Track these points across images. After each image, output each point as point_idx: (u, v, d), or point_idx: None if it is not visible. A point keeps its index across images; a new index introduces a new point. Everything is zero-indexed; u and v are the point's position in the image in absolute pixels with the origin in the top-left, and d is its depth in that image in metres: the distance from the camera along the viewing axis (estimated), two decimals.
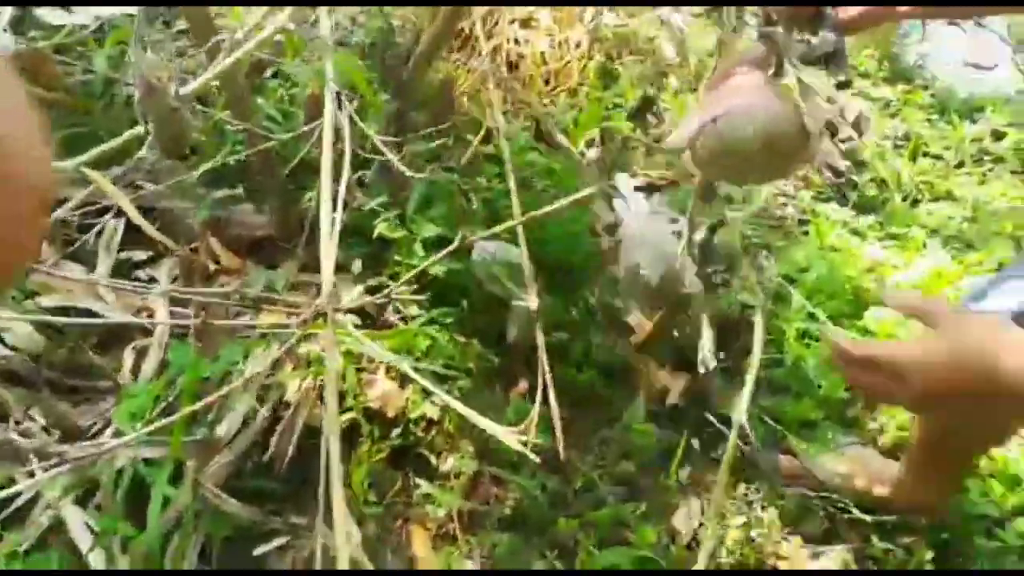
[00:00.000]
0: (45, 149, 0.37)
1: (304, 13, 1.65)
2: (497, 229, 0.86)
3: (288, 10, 0.75)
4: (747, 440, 1.60)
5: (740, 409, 0.82)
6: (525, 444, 0.66)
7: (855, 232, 2.10)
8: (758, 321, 0.88)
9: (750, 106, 0.78)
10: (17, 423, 1.34)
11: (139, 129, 0.66)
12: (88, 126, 1.68)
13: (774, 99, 0.78)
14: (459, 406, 0.70)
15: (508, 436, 0.66)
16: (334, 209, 0.61)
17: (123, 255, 1.67)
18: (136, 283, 1.66)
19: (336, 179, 0.63)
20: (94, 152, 0.69)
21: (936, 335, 0.70)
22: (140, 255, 1.68)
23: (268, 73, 2.05)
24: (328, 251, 0.58)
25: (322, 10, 0.80)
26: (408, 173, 0.84)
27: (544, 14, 2.12)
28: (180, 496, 1.28)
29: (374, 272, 1.68)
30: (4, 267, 0.37)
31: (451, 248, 0.92)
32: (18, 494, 1.14)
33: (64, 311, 1.54)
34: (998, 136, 2.58)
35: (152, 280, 1.67)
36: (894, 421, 1.69)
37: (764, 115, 0.76)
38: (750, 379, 0.84)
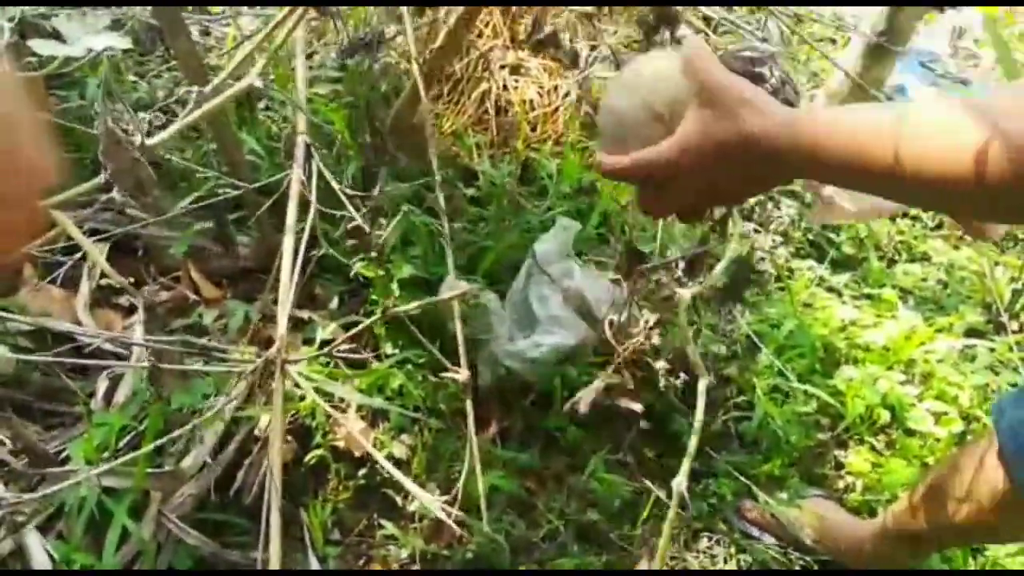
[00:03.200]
0: (43, 136, 0.39)
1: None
2: None
3: (257, 67, 0.77)
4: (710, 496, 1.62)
5: (682, 474, 0.84)
6: (449, 515, 0.66)
7: (830, 289, 2.13)
8: (701, 389, 0.90)
9: (634, 70, 0.74)
10: None
11: (100, 179, 0.68)
12: (78, 152, 1.71)
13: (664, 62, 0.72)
14: (396, 472, 0.71)
15: (435, 506, 0.67)
16: (295, 263, 0.63)
17: (104, 281, 1.68)
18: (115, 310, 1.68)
19: (299, 234, 0.65)
20: (62, 197, 0.71)
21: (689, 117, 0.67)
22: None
23: (262, 104, 2.09)
24: (284, 306, 0.60)
25: (299, 59, 0.83)
26: (366, 229, 0.86)
27: (534, 62, 2.17)
28: (143, 527, 1.28)
29: (351, 309, 1.70)
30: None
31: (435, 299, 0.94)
32: None
33: (41, 334, 1.56)
34: None
35: (132, 307, 1.69)
36: (861, 481, 1.70)
37: (649, 75, 0.71)
38: (694, 439, 0.85)
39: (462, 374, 0.88)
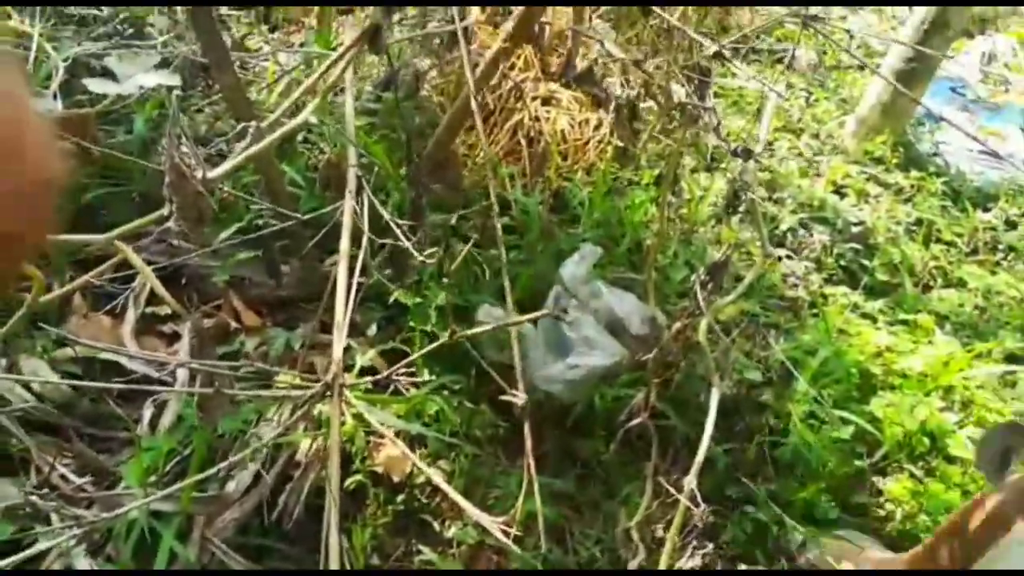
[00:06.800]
0: (47, 140, 0.39)
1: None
2: None
3: (312, 105, 0.81)
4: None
5: (693, 472, 0.84)
6: (508, 535, 0.68)
7: (865, 315, 2.12)
8: (712, 406, 0.91)
9: None
10: (39, 471, 1.38)
11: (164, 210, 0.72)
12: (125, 186, 1.76)
13: None
14: (448, 488, 0.73)
15: (493, 527, 0.69)
16: (349, 290, 0.66)
17: (149, 310, 1.73)
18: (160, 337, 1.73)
19: (353, 259, 0.67)
20: (125, 228, 0.75)
21: None
22: (166, 310, 1.75)
23: (299, 137, 2.15)
24: (340, 331, 0.63)
25: (348, 94, 0.86)
26: (419, 257, 0.88)
27: (566, 94, 2.21)
28: (188, 550, 1.31)
29: (389, 336, 1.73)
30: (6, 252, 0.39)
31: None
32: (34, 541, 1.17)
33: (90, 362, 1.60)
34: (1011, 225, 2.61)
35: (175, 335, 1.73)
36: (900, 509, 1.68)
37: None
38: (700, 454, 0.86)
39: (520, 398, 0.89)
